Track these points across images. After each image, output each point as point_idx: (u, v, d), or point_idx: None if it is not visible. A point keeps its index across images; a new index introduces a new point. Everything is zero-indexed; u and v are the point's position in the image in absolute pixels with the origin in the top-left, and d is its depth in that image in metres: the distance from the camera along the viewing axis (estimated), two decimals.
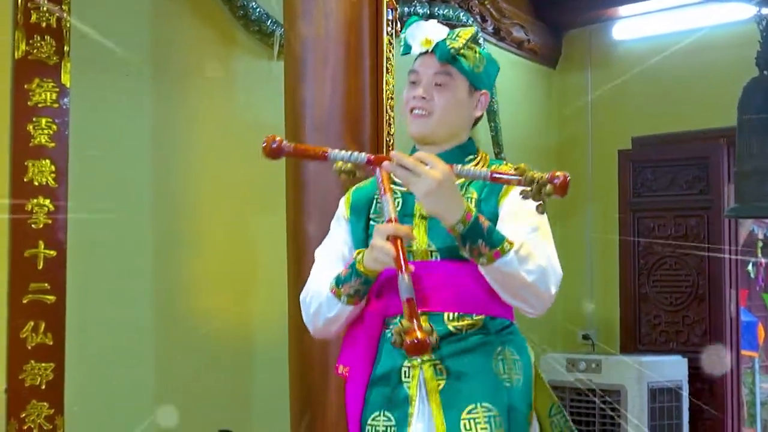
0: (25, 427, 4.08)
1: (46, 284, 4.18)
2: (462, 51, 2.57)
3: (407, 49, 2.64)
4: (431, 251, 2.53)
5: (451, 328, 2.49)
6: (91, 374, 4.43)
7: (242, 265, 5.12)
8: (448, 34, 2.59)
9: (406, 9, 5.75)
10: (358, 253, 2.52)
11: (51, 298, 4.18)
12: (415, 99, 2.59)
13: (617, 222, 6.98)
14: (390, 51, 4.01)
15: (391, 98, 4.02)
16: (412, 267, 2.36)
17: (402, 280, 2.31)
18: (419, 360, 2.49)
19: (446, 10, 6.22)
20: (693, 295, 6.65)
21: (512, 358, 2.53)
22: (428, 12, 6.02)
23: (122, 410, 4.53)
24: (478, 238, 2.34)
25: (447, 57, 2.56)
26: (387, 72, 3.98)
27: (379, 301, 2.56)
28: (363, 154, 2.43)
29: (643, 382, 6.04)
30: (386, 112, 3.98)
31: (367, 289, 2.52)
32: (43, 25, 4.21)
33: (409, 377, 2.51)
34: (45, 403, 4.14)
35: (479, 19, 6.58)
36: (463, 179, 2.52)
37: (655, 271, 6.77)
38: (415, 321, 2.26)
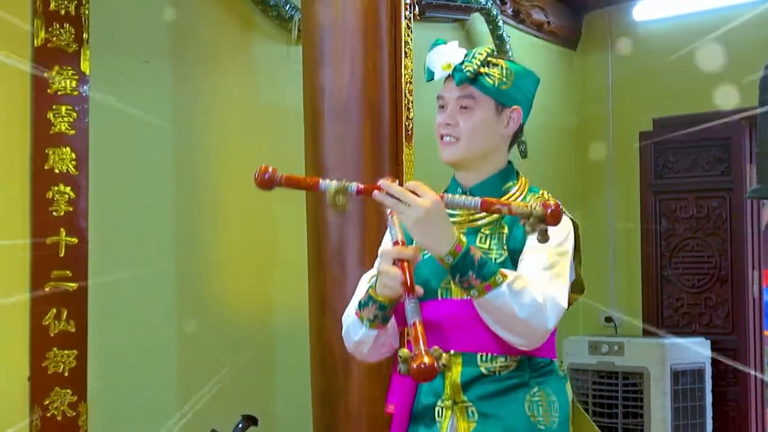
0: (49, 414, 4.11)
1: (68, 271, 4.19)
2: (482, 70, 2.49)
3: (430, 75, 2.57)
4: None
5: (483, 369, 2.42)
6: (114, 360, 4.45)
7: (263, 248, 5.12)
8: (465, 56, 2.51)
9: None
10: (373, 277, 2.45)
11: (73, 285, 4.20)
12: (441, 126, 2.53)
13: (638, 204, 6.95)
14: (408, 35, 3.99)
15: (410, 82, 4.00)
16: (420, 290, 2.26)
17: (408, 303, 2.20)
18: (450, 401, 2.44)
19: None
20: (715, 277, 6.62)
21: (548, 399, 2.45)
22: None
23: (145, 396, 4.55)
24: (468, 270, 2.24)
25: (464, 80, 2.49)
26: (405, 56, 3.96)
27: None
28: (353, 183, 2.28)
29: (666, 365, 6.03)
30: (405, 96, 3.96)
31: (385, 314, 2.42)
32: (62, 12, 4.22)
33: (441, 417, 2.46)
34: (68, 390, 4.16)
35: (498, 2, 6.54)
36: (497, 215, 2.44)
37: (677, 252, 6.74)
38: (421, 345, 2.09)
